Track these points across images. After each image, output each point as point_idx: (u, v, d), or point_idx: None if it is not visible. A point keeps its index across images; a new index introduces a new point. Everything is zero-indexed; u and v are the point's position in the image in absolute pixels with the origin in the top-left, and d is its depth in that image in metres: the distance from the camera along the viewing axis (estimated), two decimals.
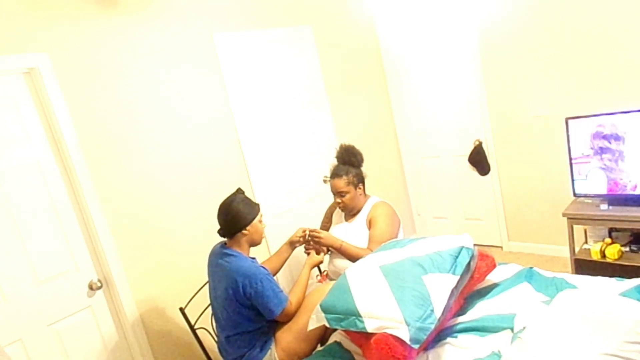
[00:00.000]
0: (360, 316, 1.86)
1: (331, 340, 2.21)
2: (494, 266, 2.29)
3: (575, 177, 3.09)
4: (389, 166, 4.34)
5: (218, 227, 2.27)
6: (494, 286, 2.30)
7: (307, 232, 2.56)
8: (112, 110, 2.56)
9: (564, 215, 3.11)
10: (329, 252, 2.72)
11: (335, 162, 2.73)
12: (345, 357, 2.07)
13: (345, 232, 2.64)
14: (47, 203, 2.35)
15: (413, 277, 1.95)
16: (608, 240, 3.04)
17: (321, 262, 2.57)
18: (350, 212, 2.71)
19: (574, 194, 3.14)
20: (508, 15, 3.43)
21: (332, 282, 2.20)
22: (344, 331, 2.04)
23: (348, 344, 2.12)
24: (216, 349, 2.42)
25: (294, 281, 2.40)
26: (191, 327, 2.44)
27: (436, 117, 4.11)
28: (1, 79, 2.23)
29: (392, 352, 1.73)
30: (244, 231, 2.22)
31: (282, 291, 2.21)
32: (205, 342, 2.48)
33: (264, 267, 2.23)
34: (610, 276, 2.20)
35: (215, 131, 3.02)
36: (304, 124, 3.60)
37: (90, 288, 2.50)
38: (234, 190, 2.35)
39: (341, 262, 2.61)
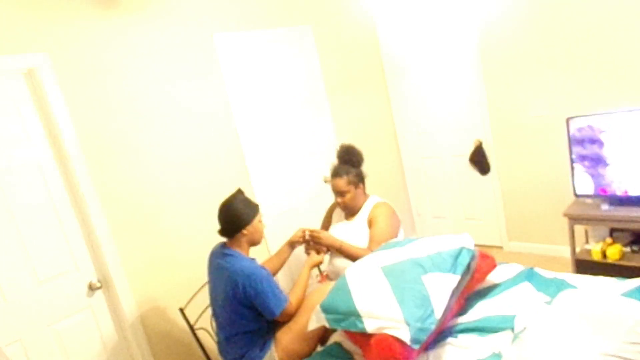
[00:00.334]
0: (360, 316, 1.86)
1: (331, 340, 2.21)
2: (494, 266, 2.29)
3: (575, 177, 3.09)
4: (389, 166, 4.33)
5: (218, 227, 2.27)
6: (494, 286, 2.30)
7: (307, 233, 2.56)
8: (112, 110, 2.56)
9: (564, 215, 3.10)
10: (329, 252, 2.72)
11: (335, 161, 2.73)
12: (345, 358, 2.07)
13: (345, 231, 2.64)
14: (47, 203, 2.35)
15: (413, 278, 1.95)
16: (609, 240, 3.03)
17: (321, 262, 2.57)
18: (351, 212, 2.71)
19: (575, 194, 3.14)
20: (508, 15, 3.43)
21: (332, 282, 2.20)
22: (344, 331, 2.03)
23: (348, 344, 2.11)
24: (216, 349, 2.42)
25: (294, 281, 2.40)
26: (191, 327, 2.44)
27: (436, 117, 4.11)
28: (1, 79, 2.23)
29: (393, 353, 1.73)
30: (243, 231, 2.22)
31: (282, 291, 2.20)
32: (205, 342, 2.48)
33: (264, 268, 2.23)
34: (611, 276, 2.20)
35: (215, 131, 3.02)
36: (304, 124, 3.60)
37: (90, 288, 2.50)
38: (233, 190, 2.34)
39: (341, 262, 2.60)
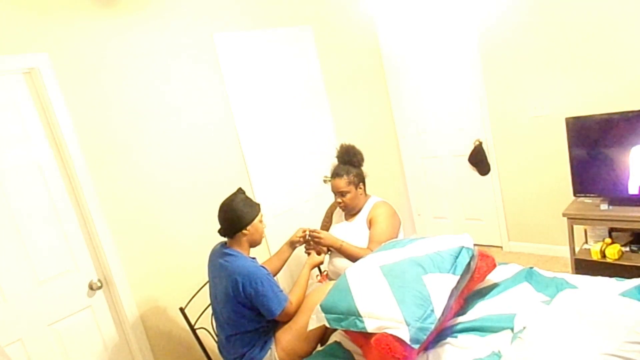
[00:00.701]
0: (360, 316, 1.86)
1: (331, 340, 2.21)
2: (494, 266, 2.29)
3: (575, 177, 3.09)
4: (389, 166, 4.34)
5: (218, 226, 2.27)
6: (494, 286, 2.30)
7: (307, 232, 2.56)
8: (112, 110, 2.56)
9: (564, 215, 3.11)
10: (329, 252, 2.72)
11: (335, 161, 2.73)
12: (345, 357, 2.07)
13: (345, 232, 2.64)
14: (47, 203, 2.35)
15: (413, 277, 1.95)
16: (608, 240, 3.04)
17: (321, 262, 2.58)
18: (351, 212, 2.71)
19: (574, 194, 3.14)
20: (508, 15, 3.43)
21: (332, 282, 2.20)
22: (344, 331, 2.04)
23: (348, 344, 2.12)
24: (216, 349, 2.42)
25: (294, 281, 2.40)
26: (191, 327, 2.44)
27: (436, 117, 4.11)
28: (1, 79, 2.23)
29: (392, 352, 1.73)
30: (244, 231, 2.22)
31: (282, 291, 2.21)
32: (205, 342, 2.48)
33: (264, 267, 2.23)
34: (611, 276, 2.20)
35: (215, 131, 3.02)
36: (304, 124, 3.60)
37: (90, 288, 2.50)
38: (234, 190, 2.34)
39: (341, 262, 2.60)
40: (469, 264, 2.10)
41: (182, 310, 2.44)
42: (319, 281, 2.61)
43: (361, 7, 4.09)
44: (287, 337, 2.20)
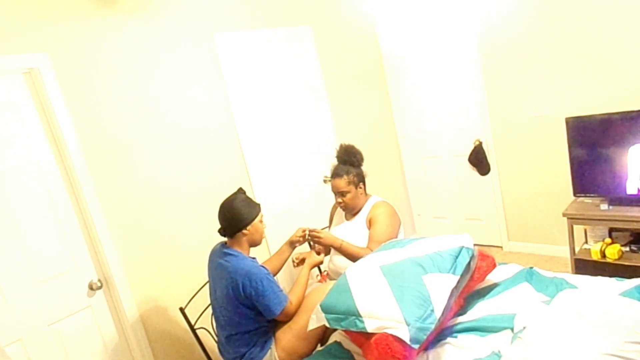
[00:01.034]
0: (360, 316, 1.86)
1: (331, 340, 2.21)
2: (494, 266, 2.29)
3: (574, 177, 3.09)
4: (389, 166, 4.34)
5: (218, 226, 2.27)
6: (494, 286, 2.30)
7: (307, 232, 2.56)
8: (112, 110, 2.56)
9: (564, 215, 3.11)
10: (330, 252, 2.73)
11: (335, 161, 2.73)
12: (345, 357, 2.07)
13: (345, 231, 2.64)
14: (47, 203, 2.35)
15: (413, 277, 1.95)
16: (608, 240, 3.04)
17: (321, 262, 2.58)
18: (351, 212, 2.71)
19: (574, 194, 3.14)
20: (508, 15, 3.43)
21: (332, 282, 2.20)
22: (344, 331, 2.04)
23: (348, 343, 2.12)
24: (216, 349, 2.42)
25: (294, 281, 2.40)
26: (191, 327, 2.44)
27: (436, 117, 4.11)
28: (1, 79, 2.23)
29: (392, 352, 1.73)
30: (244, 231, 2.22)
31: (282, 291, 2.21)
32: (205, 342, 2.48)
33: (264, 267, 2.23)
34: (610, 276, 2.20)
35: (215, 131, 3.02)
36: (304, 124, 3.60)
37: (90, 288, 2.50)
38: (234, 190, 2.34)
39: (341, 262, 2.61)
40: (469, 264, 2.10)
41: (182, 310, 2.44)
42: (319, 281, 2.61)
43: (361, 7, 4.08)
44: (287, 337, 2.20)
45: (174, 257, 2.79)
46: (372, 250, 2.37)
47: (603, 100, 3.14)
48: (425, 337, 1.77)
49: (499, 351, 1.84)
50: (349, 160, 2.65)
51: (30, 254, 2.29)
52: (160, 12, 2.77)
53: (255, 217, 2.24)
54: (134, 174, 2.64)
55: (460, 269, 2.03)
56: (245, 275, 2.12)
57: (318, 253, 2.53)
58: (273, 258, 2.61)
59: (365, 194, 2.72)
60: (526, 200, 3.76)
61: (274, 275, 2.42)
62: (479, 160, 3.90)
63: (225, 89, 3.08)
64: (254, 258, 2.28)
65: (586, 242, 3.23)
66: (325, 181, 3.72)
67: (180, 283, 2.74)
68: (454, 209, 4.29)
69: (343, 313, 1.92)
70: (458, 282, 2.01)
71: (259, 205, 2.30)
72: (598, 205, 3.01)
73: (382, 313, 1.82)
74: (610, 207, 2.96)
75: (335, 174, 2.63)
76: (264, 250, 3.10)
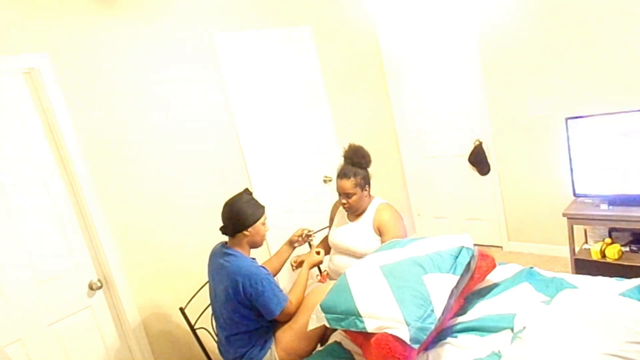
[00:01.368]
0: (360, 316, 1.86)
1: (331, 340, 2.21)
2: (494, 266, 2.29)
3: (574, 177, 3.09)
4: (389, 166, 4.34)
5: (218, 227, 2.27)
6: (494, 286, 2.30)
7: (308, 233, 2.56)
8: (112, 110, 2.56)
9: (564, 215, 3.11)
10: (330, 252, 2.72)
11: (342, 161, 2.68)
12: (345, 357, 2.07)
13: (349, 233, 2.63)
14: (47, 203, 2.35)
15: (413, 277, 1.95)
16: (608, 240, 3.04)
17: (320, 262, 2.57)
18: (355, 213, 2.68)
19: (574, 194, 3.14)
20: (508, 15, 3.43)
21: (332, 282, 2.20)
22: (344, 331, 2.04)
23: (348, 343, 2.12)
24: (216, 349, 2.42)
25: (294, 281, 2.40)
26: (191, 327, 2.44)
27: (436, 117, 4.11)
28: (1, 79, 2.23)
29: (392, 352, 1.73)
30: (245, 232, 2.21)
31: (282, 291, 2.21)
32: (205, 342, 2.48)
33: (264, 267, 2.23)
34: (610, 276, 2.20)
35: (215, 131, 3.02)
36: (304, 124, 3.60)
37: (90, 288, 2.50)
38: (234, 189, 2.35)
39: (341, 261, 2.61)
40: (469, 263, 2.10)
41: (182, 310, 2.44)
42: (319, 281, 2.61)
43: (361, 8, 4.09)
44: (287, 337, 2.20)
45: (174, 257, 2.79)
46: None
47: (603, 100, 3.14)
48: (425, 337, 1.77)
49: (499, 351, 1.84)
50: (358, 162, 2.61)
51: (30, 254, 2.29)
52: (160, 12, 2.77)
53: (259, 219, 2.24)
54: (134, 174, 2.64)
55: (460, 269, 2.03)
56: (245, 276, 2.12)
57: (317, 253, 2.53)
58: (273, 258, 2.61)
59: (370, 195, 2.70)
60: (526, 200, 3.76)
61: (274, 275, 2.42)
62: (479, 160, 3.90)
63: (226, 89, 3.08)
64: (254, 258, 2.28)
65: (586, 242, 3.23)
66: (325, 181, 3.72)
67: (180, 283, 2.74)
68: (454, 209, 4.29)
69: (343, 313, 1.92)
70: (458, 282, 2.01)
71: (263, 207, 2.29)
72: (598, 205, 3.01)
73: (382, 313, 1.82)
74: (610, 207, 2.96)
75: (342, 175, 2.58)
76: (264, 251, 3.10)
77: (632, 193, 2.90)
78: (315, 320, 2.02)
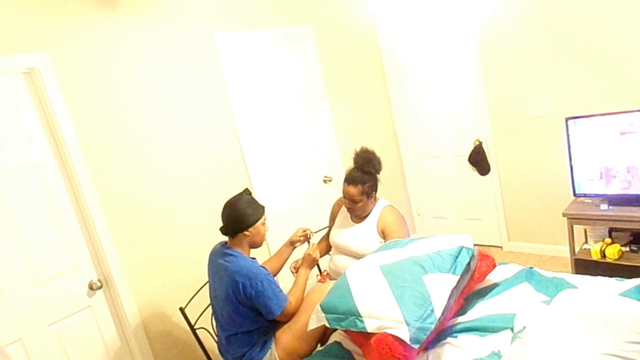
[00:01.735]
0: (360, 316, 1.86)
1: (331, 340, 2.21)
2: (494, 266, 2.29)
3: (575, 177, 3.09)
4: (389, 166, 4.32)
5: (218, 227, 2.26)
6: (494, 286, 2.30)
7: (308, 232, 2.55)
8: (112, 110, 2.56)
9: (564, 215, 3.11)
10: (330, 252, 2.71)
11: (352, 166, 2.61)
12: (345, 357, 2.07)
13: (353, 235, 2.61)
14: (47, 203, 2.35)
15: (413, 277, 1.95)
16: (608, 240, 3.04)
17: (317, 259, 2.51)
18: (359, 216, 2.67)
19: (574, 194, 3.14)
20: (508, 15, 3.43)
21: (332, 282, 2.20)
22: (344, 331, 2.04)
23: (348, 343, 2.12)
24: (216, 349, 2.42)
25: (294, 281, 2.40)
26: (191, 327, 2.44)
27: (436, 117, 4.11)
28: (1, 79, 2.23)
29: (392, 352, 1.73)
30: (245, 232, 2.21)
31: (282, 291, 2.21)
32: (205, 342, 2.48)
33: (264, 267, 2.23)
34: (610, 276, 2.20)
35: (215, 131, 3.02)
36: (304, 124, 3.60)
37: (90, 288, 2.50)
38: (234, 190, 2.35)
39: (342, 261, 2.60)
40: (469, 263, 2.10)
41: (182, 310, 2.44)
42: (319, 281, 2.61)
43: (361, 7, 4.08)
44: (287, 337, 2.20)
45: (174, 257, 2.79)
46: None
47: (603, 100, 3.14)
48: (425, 337, 1.77)
49: (499, 351, 1.84)
50: (368, 170, 2.55)
51: (30, 254, 2.29)
52: (160, 12, 2.77)
53: (259, 219, 2.24)
54: (134, 174, 2.64)
55: (460, 269, 2.03)
56: (245, 276, 2.12)
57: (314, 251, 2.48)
58: (273, 258, 2.61)
59: (375, 198, 2.69)
60: (526, 200, 3.76)
61: (274, 275, 2.42)
62: (478, 160, 3.90)
63: (226, 89, 3.08)
64: (254, 258, 2.28)
65: (586, 242, 3.23)
66: (325, 181, 3.72)
67: (180, 282, 2.74)
68: (454, 209, 4.29)
69: (343, 313, 1.92)
70: (458, 282, 2.01)
71: (263, 207, 2.28)
72: (598, 205, 3.01)
73: (382, 313, 1.82)
74: (610, 207, 2.96)
75: (350, 180, 2.53)
76: (264, 251, 3.10)
77: (632, 193, 2.90)
78: (315, 320, 2.02)
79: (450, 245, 2.12)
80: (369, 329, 1.82)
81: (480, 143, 3.86)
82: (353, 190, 2.52)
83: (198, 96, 2.94)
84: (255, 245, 2.30)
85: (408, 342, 1.72)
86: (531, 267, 2.41)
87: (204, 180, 2.95)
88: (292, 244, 2.58)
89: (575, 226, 3.12)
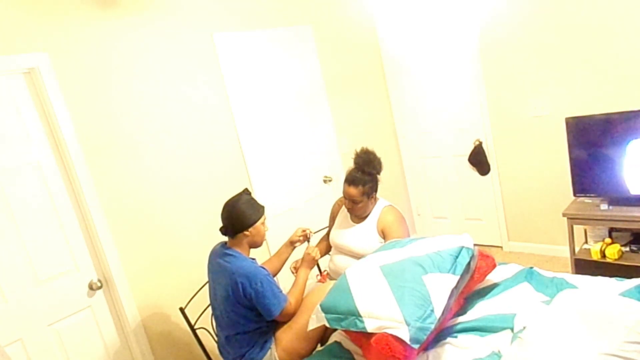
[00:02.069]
0: (360, 316, 1.86)
1: (331, 340, 2.21)
2: (494, 266, 2.29)
3: (574, 177, 3.09)
4: (389, 166, 4.32)
5: (217, 227, 2.26)
6: (494, 286, 2.30)
7: (308, 232, 2.55)
8: (112, 110, 2.56)
9: (564, 215, 3.11)
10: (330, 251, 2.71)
11: (352, 166, 2.61)
12: (345, 357, 2.07)
13: (353, 235, 2.61)
14: (47, 203, 2.35)
15: (413, 277, 1.95)
16: (608, 240, 3.04)
17: (314, 258, 2.49)
18: (360, 216, 2.66)
19: (574, 194, 3.14)
20: (508, 15, 3.43)
21: (332, 282, 2.20)
22: (344, 331, 2.04)
23: (348, 343, 2.12)
24: (216, 349, 2.42)
25: (293, 281, 2.40)
26: (191, 327, 2.44)
27: (436, 117, 4.11)
28: (1, 79, 2.23)
29: (392, 352, 1.73)
30: (245, 232, 2.21)
31: (281, 291, 2.21)
32: (205, 342, 2.48)
33: (264, 268, 2.23)
34: (610, 276, 2.20)
35: (215, 131, 3.02)
36: (304, 124, 3.60)
37: (90, 288, 2.50)
38: (234, 190, 2.34)
39: (342, 261, 2.60)
40: (469, 263, 2.10)
41: (182, 310, 2.44)
42: (319, 281, 2.61)
43: (361, 7, 4.08)
44: (287, 337, 2.20)
45: (174, 257, 2.79)
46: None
47: (603, 100, 3.13)
48: (425, 337, 1.77)
49: (499, 351, 1.84)
50: (368, 170, 2.55)
51: (30, 254, 2.29)
52: (160, 12, 2.77)
53: (259, 219, 2.24)
54: (134, 174, 2.64)
55: (460, 269, 2.03)
56: (244, 276, 2.12)
57: (312, 250, 2.48)
58: (273, 259, 2.61)
59: (375, 198, 2.69)
60: (526, 200, 3.76)
61: (274, 275, 2.42)
62: (478, 160, 3.90)
63: (226, 89, 3.08)
64: (253, 259, 2.28)
65: (586, 242, 3.23)
66: (325, 181, 3.71)
67: (180, 283, 2.74)
68: (454, 209, 4.29)
69: (343, 313, 1.92)
70: (458, 282, 2.01)
71: (263, 207, 2.28)
72: (598, 205, 3.01)
73: (382, 313, 1.82)
74: (610, 207, 2.96)
75: (351, 181, 2.53)
76: (263, 251, 3.10)
77: (632, 193, 2.89)
78: (315, 320, 2.02)
79: (450, 245, 2.12)
80: (369, 329, 1.82)
81: (480, 143, 3.86)
82: (353, 190, 2.52)
83: (198, 96, 2.94)
84: (255, 245, 2.30)
85: (408, 342, 1.72)
86: (531, 267, 2.41)
87: (203, 180, 2.95)
88: (291, 244, 2.58)
89: (575, 226, 3.12)
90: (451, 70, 3.89)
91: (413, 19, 3.99)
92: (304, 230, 2.57)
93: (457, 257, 2.07)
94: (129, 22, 2.63)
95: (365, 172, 2.55)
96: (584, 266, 3.02)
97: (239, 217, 2.19)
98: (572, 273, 3.01)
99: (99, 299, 2.53)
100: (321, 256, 2.64)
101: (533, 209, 3.73)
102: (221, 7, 3.08)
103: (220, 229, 2.26)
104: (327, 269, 2.72)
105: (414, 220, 4.59)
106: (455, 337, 2.00)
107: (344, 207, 2.69)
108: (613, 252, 2.93)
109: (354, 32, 4.01)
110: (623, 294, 1.90)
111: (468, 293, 2.24)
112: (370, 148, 2.62)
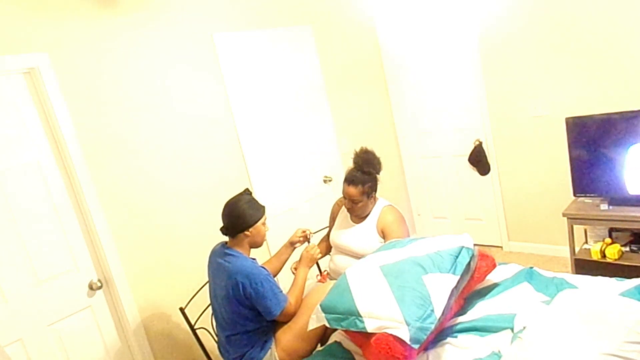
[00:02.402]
0: (360, 316, 1.86)
1: (331, 340, 2.21)
2: (494, 266, 2.29)
3: (574, 177, 3.09)
4: (389, 166, 4.32)
5: (218, 227, 2.26)
6: (494, 286, 2.30)
7: (308, 232, 2.55)
8: (112, 110, 2.56)
9: (564, 215, 3.11)
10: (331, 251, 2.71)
11: (352, 166, 2.61)
12: (345, 357, 2.07)
13: (353, 235, 2.61)
14: (47, 203, 2.35)
15: (413, 277, 1.95)
16: (608, 240, 3.04)
17: (313, 257, 2.49)
18: (359, 216, 2.66)
19: (574, 194, 3.14)
20: (508, 15, 3.43)
21: (332, 282, 2.20)
22: (344, 331, 2.04)
23: (348, 343, 2.12)
24: (216, 349, 2.42)
25: (292, 281, 2.40)
26: (191, 327, 2.44)
27: (436, 117, 4.11)
28: (1, 79, 2.23)
29: (392, 352, 1.73)
30: (246, 232, 2.21)
31: (281, 292, 2.21)
32: (205, 342, 2.48)
33: (264, 268, 2.23)
34: (611, 276, 2.20)
35: (215, 131, 3.02)
36: (304, 124, 3.60)
37: (91, 288, 2.50)
38: (234, 190, 2.34)
39: (342, 261, 2.60)
40: (469, 263, 2.10)
41: (182, 310, 2.44)
42: (319, 281, 2.61)
43: (361, 7, 4.08)
44: (287, 337, 2.20)
45: (174, 257, 2.79)
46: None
47: (603, 100, 3.14)
48: (425, 337, 1.77)
49: (499, 351, 1.84)
50: (367, 170, 2.55)
51: (30, 254, 2.29)
52: (160, 12, 2.77)
53: (259, 219, 2.24)
54: (134, 174, 2.64)
55: (460, 269, 2.03)
56: (245, 276, 2.12)
57: (311, 249, 2.47)
58: (273, 259, 2.61)
59: (375, 198, 2.69)
60: (526, 200, 3.76)
61: (274, 276, 2.42)
62: (478, 160, 3.90)
63: (225, 89, 3.08)
64: (254, 259, 2.28)
65: (586, 242, 3.23)
66: (325, 181, 3.71)
67: (180, 283, 2.74)
68: (454, 209, 4.29)
69: (343, 313, 1.92)
70: (458, 282, 2.01)
71: (263, 207, 2.28)
72: (598, 205, 3.01)
73: (382, 313, 1.82)
74: (610, 207, 2.96)
75: (350, 181, 2.53)
76: (264, 251, 3.10)
77: (632, 193, 2.89)
78: (315, 320, 2.02)
79: (450, 245, 2.12)
80: (369, 329, 1.82)
81: (480, 143, 3.86)
82: (353, 190, 2.52)
83: (198, 95, 2.94)
84: (256, 245, 2.30)
85: (408, 342, 1.72)
86: (531, 267, 2.41)
87: (204, 180, 2.95)
88: (291, 245, 2.58)
89: (575, 226, 3.12)
90: (451, 70, 3.89)
91: (413, 19, 3.99)
92: (303, 231, 2.57)
93: (457, 257, 2.07)
94: (129, 22, 2.63)
95: (364, 172, 2.55)
96: (584, 266, 3.03)
97: (240, 217, 2.19)
98: (572, 273, 3.01)
99: (99, 299, 2.53)
100: (322, 256, 2.64)
101: (533, 208, 3.73)
102: (221, 7, 3.08)
103: (221, 229, 2.26)
104: (327, 269, 2.72)
105: (414, 220, 4.59)
106: (455, 337, 2.00)
107: (344, 207, 2.69)
108: (613, 252, 2.93)
109: (354, 33, 4.01)
110: (623, 294, 1.90)
111: (468, 293, 2.24)
112: (369, 148, 2.63)
